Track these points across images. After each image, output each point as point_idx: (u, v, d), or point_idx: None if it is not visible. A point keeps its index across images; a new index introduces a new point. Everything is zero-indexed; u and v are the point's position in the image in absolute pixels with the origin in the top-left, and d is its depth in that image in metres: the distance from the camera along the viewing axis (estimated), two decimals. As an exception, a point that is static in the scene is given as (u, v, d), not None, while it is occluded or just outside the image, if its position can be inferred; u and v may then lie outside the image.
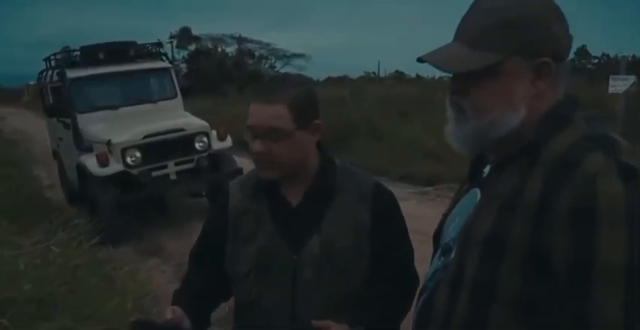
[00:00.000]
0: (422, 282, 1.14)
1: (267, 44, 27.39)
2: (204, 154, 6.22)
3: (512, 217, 0.87)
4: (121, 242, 5.42)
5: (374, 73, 22.58)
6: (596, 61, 26.87)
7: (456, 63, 0.92)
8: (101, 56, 6.63)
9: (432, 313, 1.00)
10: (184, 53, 26.90)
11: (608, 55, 25.51)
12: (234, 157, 6.53)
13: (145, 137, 5.91)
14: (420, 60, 0.94)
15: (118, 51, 6.80)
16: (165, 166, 6.05)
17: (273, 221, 1.34)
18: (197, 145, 6.20)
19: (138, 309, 3.47)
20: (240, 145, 9.90)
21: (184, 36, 26.86)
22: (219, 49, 26.89)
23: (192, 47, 27.08)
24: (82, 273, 3.39)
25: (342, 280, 1.31)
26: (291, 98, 1.26)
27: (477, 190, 1.01)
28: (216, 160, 6.33)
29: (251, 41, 27.18)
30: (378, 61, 25.44)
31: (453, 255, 0.98)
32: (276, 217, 1.35)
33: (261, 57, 27.42)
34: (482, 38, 0.91)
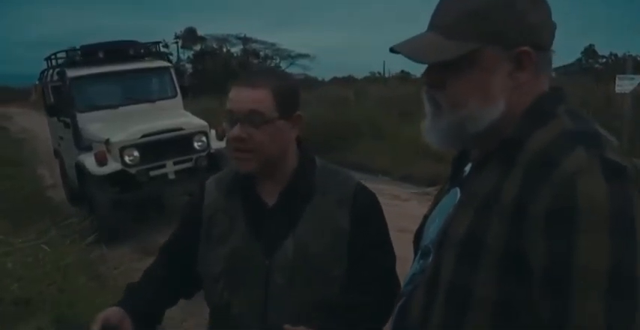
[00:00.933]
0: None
1: (273, 44, 27.42)
2: (203, 154, 6.19)
3: (489, 217, 0.82)
4: (118, 241, 5.39)
5: (379, 73, 22.52)
6: (604, 60, 26.65)
7: (429, 53, 0.86)
8: (101, 55, 6.63)
9: (408, 318, 0.94)
10: (190, 53, 26.99)
11: (615, 55, 25.28)
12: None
13: (143, 136, 5.90)
14: (392, 50, 0.89)
15: (118, 50, 6.80)
16: (163, 166, 6.04)
17: (247, 222, 1.28)
18: (196, 145, 6.18)
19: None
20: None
21: (190, 36, 26.91)
22: (225, 50, 26.94)
23: (198, 48, 27.15)
24: (73, 272, 3.37)
25: (316, 287, 1.23)
26: (275, 85, 1.21)
27: (457, 190, 0.95)
28: (215, 159, 6.28)
29: (256, 41, 27.21)
30: (383, 61, 25.36)
31: (431, 258, 0.93)
32: (250, 218, 1.28)
33: (267, 57, 27.43)
34: (456, 27, 0.85)
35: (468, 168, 0.97)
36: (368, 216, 1.28)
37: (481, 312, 0.82)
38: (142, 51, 7.14)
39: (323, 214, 1.25)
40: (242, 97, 1.21)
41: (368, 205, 1.29)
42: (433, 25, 0.89)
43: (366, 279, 1.26)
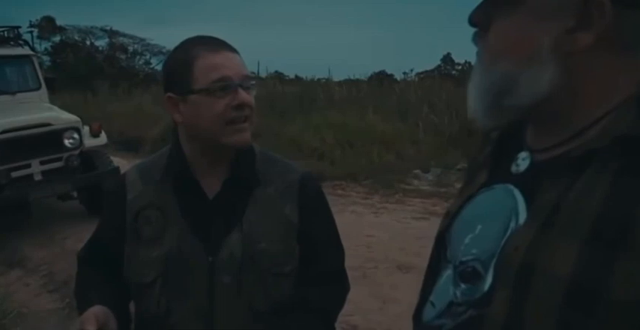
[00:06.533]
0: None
1: (142, 39, 26.02)
2: (75, 152, 5.67)
3: (612, 254, 0.55)
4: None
5: (253, 72, 22.46)
6: (460, 67, 29.05)
7: None
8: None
9: None
10: (47, 45, 24.80)
11: (469, 63, 27.67)
12: (109, 155, 6.08)
13: (2, 132, 5.26)
14: None
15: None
16: (28, 165, 5.43)
17: (185, 217, 1.14)
18: (66, 142, 5.63)
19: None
20: (116, 144, 9.43)
21: (47, 26, 24.72)
22: (88, 42, 25.11)
23: (57, 39, 25.04)
24: None
25: (267, 286, 1.13)
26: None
27: (514, 190, 0.69)
28: (89, 158, 5.80)
29: (124, 35, 25.62)
30: (258, 62, 25.35)
31: (487, 287, 0.66)
32: (188, 212, 1.14)
33: (135, 52, 26.01)
34: None
35: (524, 157, 0.72)
36: (316, 208, 1.21)
37: None
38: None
39: (269, 206, 1.15)
40: (234, 61, 1.09)
41: (315, 196, 1.22)
42: None
43: (316, 275, 1.19)
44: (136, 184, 1.19)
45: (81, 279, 1.25)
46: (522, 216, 0.65)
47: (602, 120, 0.62)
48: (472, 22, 0.70)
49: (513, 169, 0.71)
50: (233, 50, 1.11)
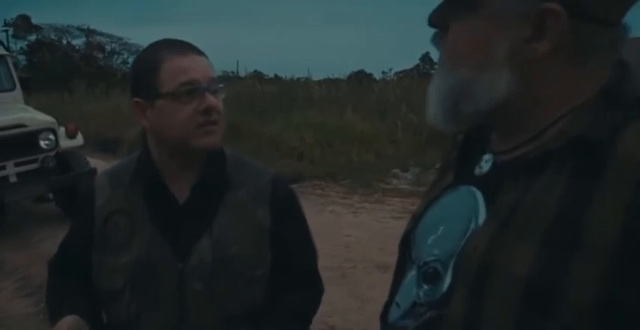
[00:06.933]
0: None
1: (120, 38, 25.79)
2: (51, 154, 5.59)
3: (568, 254, 0.56)
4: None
5: (232, 72, 22.36)
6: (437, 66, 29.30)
7: None
8: None
9: None
10: (23, 44, 24.38)
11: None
12: (86, 156, 6.01)
13: (-24, 134, 5.19)
14: None
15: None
16: (3, 167, 5.33)
17: (154, 222, 1.12)
18: (42, 143, 5.55)
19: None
20: (93, 144, 9.31)
21: (23, 25, 24.29)
22: (65, 41, 24.75)
23: (33, 38, 24.63)
24: None
25: (239, 291, 1.12)
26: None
27: (476, 191, 0.70)
28: (66, 159, 5.73)
29: (101, 34, 25.36)
30: (237, 61, 25.30)
31: (445, 288, 0.67)
32: (157, 217, 1.13)
33: (113, 52, 25.72)
34: None
35: (486, 160, 0.72)
36: (289, 210, 1.21)
37: None
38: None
39: (240, 210, 1.15)
40: (201, 65, 1.09)
41: (287, 199, 1.22)
42: None
43: (290, 279, 1.19)
44: (105, 189, 1.18)
45: (52, 288, 1.24)
46: (482, 217, 0.66)
47: (558, 122, 0.63)
48: (431, 22, 0.70)
49: (477, 171, 0.72)
50: (200, 53, 1.11)
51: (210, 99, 1.07)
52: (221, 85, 1.12)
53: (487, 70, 0.64)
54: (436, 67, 0.73)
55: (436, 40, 0.71)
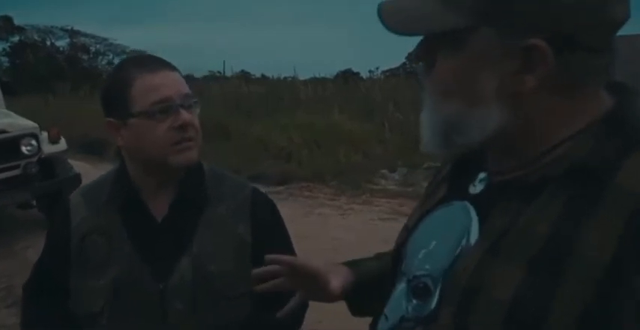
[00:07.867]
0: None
1: (105, 39, 25.53)
2: (33, 160, 5.51)
3: (555, 278, 0.56)
4: None
5: (219, 72, 22.28)
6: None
7: (408, 20, 0.65)
8: None
9: None
10: (5, 45, 24.10)
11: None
12: (70, 161, 5.93)
13: (-45, 140, 5.10)
14: (379, 10, 0.67)
15: None
16: (-17, 174, 5.28)
17: (132, 242, 1.10)
18: (24, 149, 5.46)
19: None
20: (79, 147, 9.21)
21: (5, 26, 24.01)
22: (48, 42, 24.49)
23: (15, 39, 24.35)
24: None
25: (222, 309, 1.10)
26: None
27: (469, 206, 0.70)
28: (49, 165, 5.65)
29: (85, 35, 25.09)
30: (223, 61, 25.33)
31: (434, 304, 0.68)
32: (135, 237, 1.10)
33: (98, 53, 25.49)
34: None
35: (480, 179, 0.72)
36: (270, 224, 1.19)
37: None
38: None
39: (220, 226, 1.13)
40: (173, 81, 1.07)
41: (268, 212, 1.20)
42: None
43: (273, 295, 1.15)
44: (81, 207, 1.15)
45: (27, 313, 1.21)
46: (474, 236, 0.66)
47: (558, 147, 0.63)
48: (417, 57, 0.69)
49: (471, 189, 0.72)
50: (172, 68, 1.09)
51: (185, 115, 1.06)
52: (195, 100, 1.10)
53: (477, 104, 0.64)
54: (423, 97, 0.71)
55: (422, 73, 0.70)
